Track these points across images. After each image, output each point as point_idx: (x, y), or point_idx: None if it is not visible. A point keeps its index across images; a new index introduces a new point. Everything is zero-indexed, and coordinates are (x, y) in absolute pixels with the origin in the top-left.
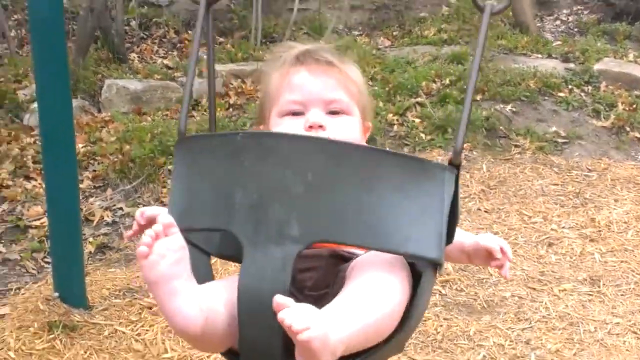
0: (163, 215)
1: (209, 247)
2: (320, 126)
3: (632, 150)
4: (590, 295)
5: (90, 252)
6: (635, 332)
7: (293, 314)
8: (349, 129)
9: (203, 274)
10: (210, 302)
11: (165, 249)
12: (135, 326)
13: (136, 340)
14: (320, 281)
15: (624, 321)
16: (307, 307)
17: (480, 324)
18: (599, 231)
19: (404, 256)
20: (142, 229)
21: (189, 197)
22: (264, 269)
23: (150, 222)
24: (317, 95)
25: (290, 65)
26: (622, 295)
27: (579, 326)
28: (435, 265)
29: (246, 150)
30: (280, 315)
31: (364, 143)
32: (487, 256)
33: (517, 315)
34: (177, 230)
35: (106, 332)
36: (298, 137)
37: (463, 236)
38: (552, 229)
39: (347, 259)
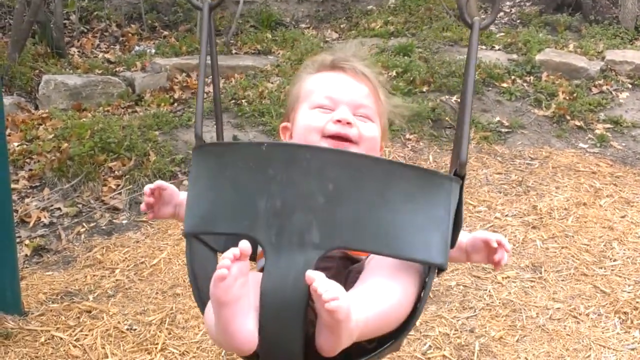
0: (243, 242)
1: (217, 245)
2: (349, 123)
3: (572, 138)
4: (532, 281)
5: (26, 255)
6: (575, 317)
7: (325, 285)
8: (373, 132)
9: (211, 270)
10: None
11: (239, 272)
12: (73, 331)
13: (74, 346)
14: (333, 279)
15: (565, 306)
16: (336, 284)
17: (426, 314)
18: (541, 218)
19: (414, 262)
20: (151, 203)
21: (209, 202)
22: (287, 273)
23: (157, 196)
24: (350, 97)
25: (329, 68)
26: (562, 280)
27: (521, 312)
28: (439, 269)
29: (270, 160)
30: (314, 285)
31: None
32: (484, 249)
33: (462, 304)
34: (247, 254)
35: (42, 338)
36: (321, 149)
37: (460, 235)
38: (495, 217)
39: (355, 260)
